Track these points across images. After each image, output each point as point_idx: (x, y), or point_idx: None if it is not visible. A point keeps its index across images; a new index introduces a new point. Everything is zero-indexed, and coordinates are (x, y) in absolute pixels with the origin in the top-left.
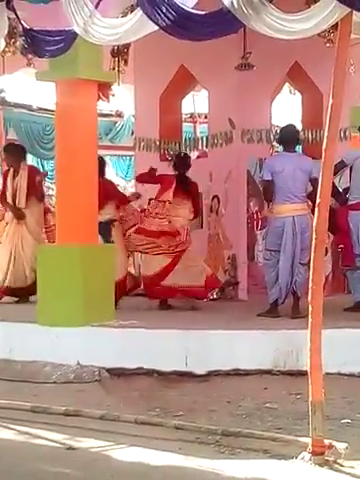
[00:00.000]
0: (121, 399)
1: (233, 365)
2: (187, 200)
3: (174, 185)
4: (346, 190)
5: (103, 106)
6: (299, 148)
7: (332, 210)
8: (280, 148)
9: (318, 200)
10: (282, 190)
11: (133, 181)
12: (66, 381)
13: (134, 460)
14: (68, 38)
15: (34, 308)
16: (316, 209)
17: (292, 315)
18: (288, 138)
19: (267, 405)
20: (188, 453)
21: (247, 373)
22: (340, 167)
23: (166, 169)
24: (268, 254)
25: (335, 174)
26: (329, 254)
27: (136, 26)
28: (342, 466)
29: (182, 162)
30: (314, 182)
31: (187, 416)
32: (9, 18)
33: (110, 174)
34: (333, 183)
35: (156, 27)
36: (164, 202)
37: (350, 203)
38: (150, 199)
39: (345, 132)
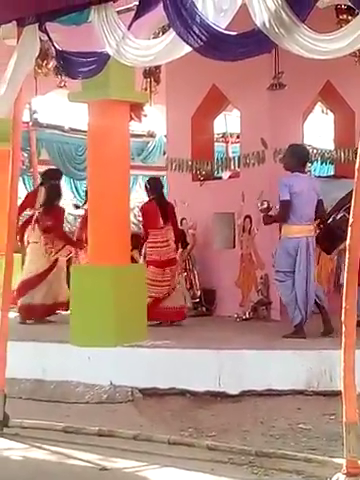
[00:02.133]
0: (154, 419)
1: (266, 385)
2: (169, 223)
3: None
4: None
5: (135, 126)
6: (329, 168)
7: None
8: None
9: (351, 220)
10: (299, 211)
11: None
12: (99, 401)
13: None
14: (101, 59)
15: (66, 328)
16: (349, 229)
17: (324, 331)
18: (303, 159)
19: (301, 426)
20: (221, 474)
21: (280, 393)
22: None
23: (198, 189)
24: (282, 275)
25: None
26: None
27: (169, 47)
28: None
29: (158, 185)
30: (320, 203)
31: (220, 436)
32: (42, 40)
33: (142, 194)
34: None
35: (189, 48)
36: (161, 228)
37: None
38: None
39: None
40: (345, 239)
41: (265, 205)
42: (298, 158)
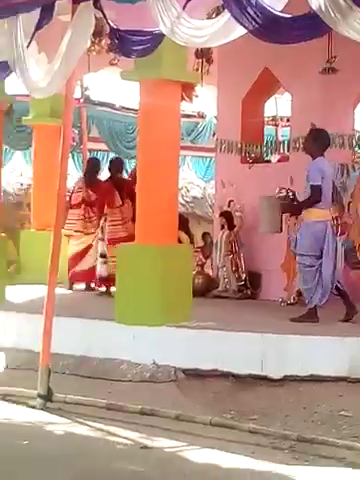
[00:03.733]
0: (196, 400)
1: (309, 371)
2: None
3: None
4: None
5: (186, 107)
6: None
7: None
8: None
9: None
10: (326, 195)
11: (212, 182)
12: (141, 380)
13: (207, 462)
14: (155, 39)
15: (112, 305)
16: None
17: (348, 315)
18: (326, 143)
19: (342, 413)
20: (261, 457)
21: (323, 379)
22: None
23: (246, 172)
24: (309, 259)
25: None
26: None
27: (223, 29)
28: None
29: (117, 165)
30: (335, 189)
31: (261, 420)
32: (96, 17)
33: (190, 174)
34: None
35: (243, 30)
36: (119, 207)
37: None
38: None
39: None
40: None
41: (283, 193)
42: (322, 143)
